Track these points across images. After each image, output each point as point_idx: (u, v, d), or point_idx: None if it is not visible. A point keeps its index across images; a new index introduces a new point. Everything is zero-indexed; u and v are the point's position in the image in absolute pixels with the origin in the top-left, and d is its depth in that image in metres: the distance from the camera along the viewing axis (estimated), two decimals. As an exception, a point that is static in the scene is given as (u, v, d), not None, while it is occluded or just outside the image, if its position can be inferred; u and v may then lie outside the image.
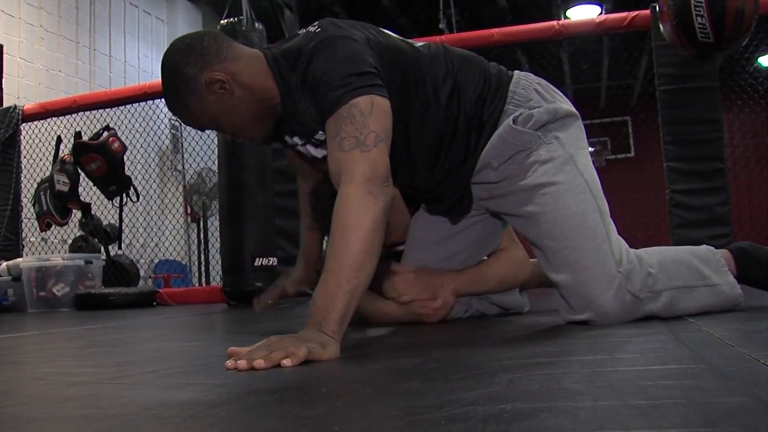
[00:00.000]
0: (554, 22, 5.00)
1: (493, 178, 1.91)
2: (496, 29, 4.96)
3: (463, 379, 1.00)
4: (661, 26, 4.02)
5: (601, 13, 9.21)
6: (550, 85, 2.00)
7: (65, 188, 5.52)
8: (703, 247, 1.99)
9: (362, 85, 1.58)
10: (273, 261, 4.50)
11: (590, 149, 2.00)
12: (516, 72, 1.98)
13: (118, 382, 1.21)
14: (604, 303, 1.74)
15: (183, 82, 1.70)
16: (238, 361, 1.25)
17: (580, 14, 9.21)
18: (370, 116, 1.54)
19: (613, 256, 1.77)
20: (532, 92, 1.92)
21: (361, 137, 1.52)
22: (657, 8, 4.05)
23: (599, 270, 1.76)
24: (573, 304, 1.79)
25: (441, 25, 7.67)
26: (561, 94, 1.99)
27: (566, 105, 1.94)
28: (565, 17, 9.08)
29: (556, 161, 1.84)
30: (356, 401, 0.96)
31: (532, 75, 2.00)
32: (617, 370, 1.04)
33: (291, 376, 1.16)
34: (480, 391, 0.90)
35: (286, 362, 1.25)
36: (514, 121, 1.85)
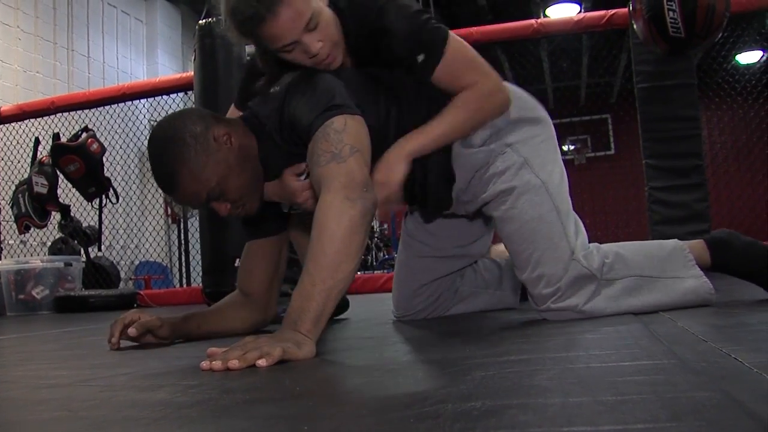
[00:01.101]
0: (533, 21, 5.02)
1: (464, 197, 1.99)
2: (475, 28, 4.98)
3: (435, 377, 1.01)
4: (634, 24, 4.04)
5: (580, 11, 9.26)
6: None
7: (44, 190, 5.48)
8: (672, 240, 2.01)
9: (333, 108, 1.64)
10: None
11: (560, 145, 2.01)
12: None
13: (91, 384, 1.20)
14: (554, 268, 1.83)
15: (193, 139, 1.66)
16: (213, 362, 1.25)
17: (560, 13, 9.27)
18: (343, 132, 1.59)
19: (570, 248, 1.85)
20: None
21: (336, 151, 1.56)
22: (631, 5, 4.08)
23: (555, 261, 1.84)
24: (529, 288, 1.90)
25: (421, 24, 7.68)
26: (517, 90, 2.03)
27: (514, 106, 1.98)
28: (545, 16, 9.13)
29: (512, 168, 1.89)
30: (328, 400, 0.96)
31: None
32: (589, 366, 1.04)
33: (265, 375, 1.16)
34: (451, 389, 0.90)
35: (261, 362, 1.25)
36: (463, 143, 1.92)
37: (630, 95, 4.96)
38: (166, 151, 1.67)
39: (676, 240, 2.01)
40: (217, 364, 1.24)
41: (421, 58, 1.80)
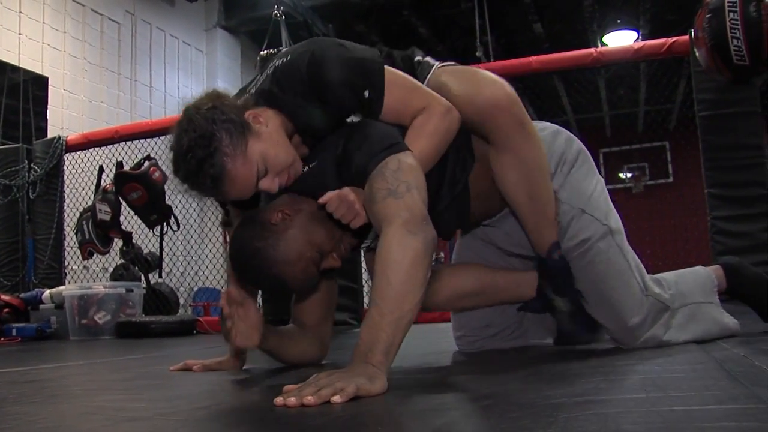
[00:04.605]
0: (592, 50, 4.99)
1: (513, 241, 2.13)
2: (534, 57, 4.97)
3: (518, 418, 1.00)
4: (696, 51, 3.99)
5: (637, 38, 9.20)
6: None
7: (107, 217, 5.59)
8: (699, 267, 2.17)
9: (387, 149, 1.67)
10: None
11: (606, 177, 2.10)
12: None
13: (170, 418, 1.22)
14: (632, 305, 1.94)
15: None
16: (288, 399, 1.25)
17: (617, 40, 9.21)
18: (399, 171, 1.62)
19: (640, 283, 1.96)
20: None
21: (393, 188, 1.59)
22: (693, 33, 4.03)
23: (631, 298, 1.95)
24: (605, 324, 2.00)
25: (478, 53, 7.71)
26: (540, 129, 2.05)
27: (560, 140, 2.05)
28: (602, 43, 9.08)
29: (571, 224, 1.97)
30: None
31: None
32: (673, 409, 1.02)
33: (341, 413, 1.16)
34: (537, 432, 0.89)
35: (336, 399, 1.25)
36: None
37: (689, 122, 4.90)
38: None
39: (701, 266, 2.15)
40: (292, 401, 1.24)
41: (367, 93, 1.76)
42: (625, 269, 1.95)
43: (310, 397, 1.25)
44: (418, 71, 1.98)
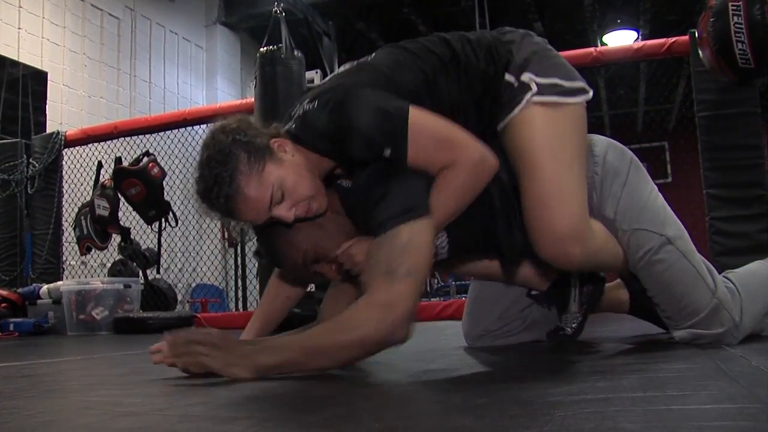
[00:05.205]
0: (592, 49, 5.00)
1: None
2: (534, 56, 4.96)
3: (516, 416, 1.00)
4: (700, 52, 3.99)
5: (637, 38, 9.20)
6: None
7: (105, 213, 5.60)
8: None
9: (402, 214, 1.61)
10: (311, 286, 4.51)
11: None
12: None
13: (167, 413, 1.22)
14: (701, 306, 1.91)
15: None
16: (155, 356, 1.59)
17: (617, 40, 9.21)
18: (406, 248, 1.56)
19: (709, 284, 1.93)
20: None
21: (392, 267, 1.54)
22: (696, 34, 4.03)
23: (701, 302, 1.92)
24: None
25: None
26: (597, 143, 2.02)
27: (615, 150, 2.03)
28: (602, 43, 9.08)
29: (630, 243, 1.93)
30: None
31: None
32: (670, 408, 1.02)
33: (342, 411, 1.16)
34: (534, 430, 0.89)
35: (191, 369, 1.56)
36: None
37: (688, 123, 4.90)
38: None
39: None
40: (157, 357, 1.57)
41: (388, 152, 1.68)
42: (690, 273, 1.91)
43: (170, 360, 1.55)
44: (505, 95, 1.85)
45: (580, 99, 1.88)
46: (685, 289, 1.91)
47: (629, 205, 1.93)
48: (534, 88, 1.82)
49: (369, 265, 1.60)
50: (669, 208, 2.00)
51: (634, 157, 2.02)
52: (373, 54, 1.92)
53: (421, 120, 1.68)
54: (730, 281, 2.01)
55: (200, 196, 1.71)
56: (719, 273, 2.03)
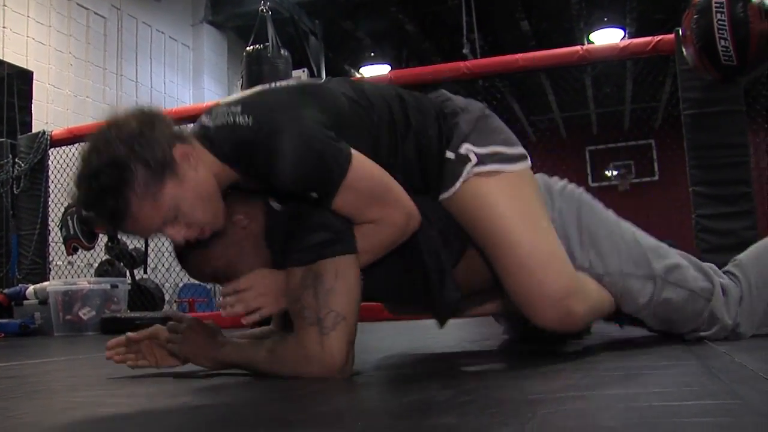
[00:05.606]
0: (578, 48, 5.01)
1: None
2: (521, 54, 4.98)
3: (497, 414, 1.00)
4: (684, 50, 4.00)
5: (624, 37, 9.23)
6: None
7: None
8: None
9: (329, 244, 1.54)
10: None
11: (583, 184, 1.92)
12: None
13: (151, 414, 1.22)
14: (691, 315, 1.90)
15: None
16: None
17: (604, 38, 9.25)
18: (331, 292, 1.50)
19: (704, 294, 1.88)
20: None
21: (321, 315, 1.50)
22: (680, 32, 4.05)
23: (694, 315, 1.90)
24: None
25: (465, 50, 7.73)
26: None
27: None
28: (589, 41, 9.11)
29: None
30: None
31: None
32: (651, 405, 1.03)
33: (324, 409, 1.16)
34: (515, 428, 0.89)
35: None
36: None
37: (675, 121, 4.92)
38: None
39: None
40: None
41: (314, 195, 1.55)
42: (688, 297, 1.87)
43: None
44: (446, 168, 1.75)
45: (522, 166, 1.79)
46: (684, 313, 1.89)
47: (601, 251, 1.85)
48: (473, 159, 1.73)
49: (295, 309, 1.54)
50: (633, 227, 1.94)
51: (583, 194, 1.94)
52: (328, 80, 1.82)
53: (359, 173, 1.54)
54: (733, 274, 1.97)
55: (80, 201, 1.52)
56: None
